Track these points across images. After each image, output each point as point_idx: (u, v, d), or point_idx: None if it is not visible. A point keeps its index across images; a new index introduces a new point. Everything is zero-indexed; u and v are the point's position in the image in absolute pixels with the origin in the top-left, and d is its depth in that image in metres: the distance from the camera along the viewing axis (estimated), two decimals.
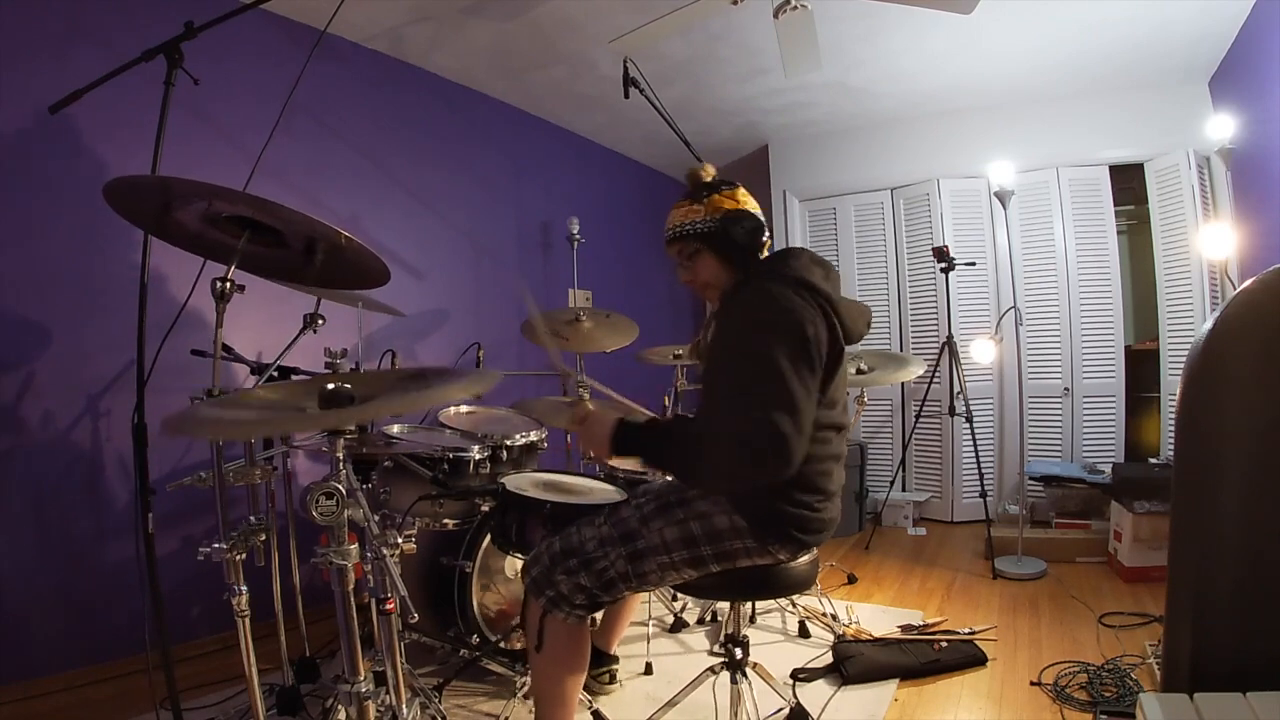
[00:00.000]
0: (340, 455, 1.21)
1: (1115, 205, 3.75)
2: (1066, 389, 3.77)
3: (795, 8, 2.27)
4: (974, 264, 3.61)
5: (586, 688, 1.93)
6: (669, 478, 1.71)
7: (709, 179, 1.47)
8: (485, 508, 2.02)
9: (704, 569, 1.38)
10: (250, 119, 2.47)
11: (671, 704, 1.71)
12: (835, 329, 1.31)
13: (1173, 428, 2.20)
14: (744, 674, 1.58)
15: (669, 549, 1.36)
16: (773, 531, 1.33)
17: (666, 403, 2.98)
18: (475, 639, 1.94)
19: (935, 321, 4.01)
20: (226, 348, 1.89)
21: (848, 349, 1.39)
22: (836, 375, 1.34)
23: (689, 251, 1.44)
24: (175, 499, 2.25)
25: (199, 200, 1.28)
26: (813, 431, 1.29)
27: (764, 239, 1.45)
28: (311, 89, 2.57)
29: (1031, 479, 3.38)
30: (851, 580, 3.01)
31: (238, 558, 1.37)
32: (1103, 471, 3.25)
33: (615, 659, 2.03)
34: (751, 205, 1.46)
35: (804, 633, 2.41)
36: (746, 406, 1.19)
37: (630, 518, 1.40)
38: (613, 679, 2.01)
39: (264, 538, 1.46)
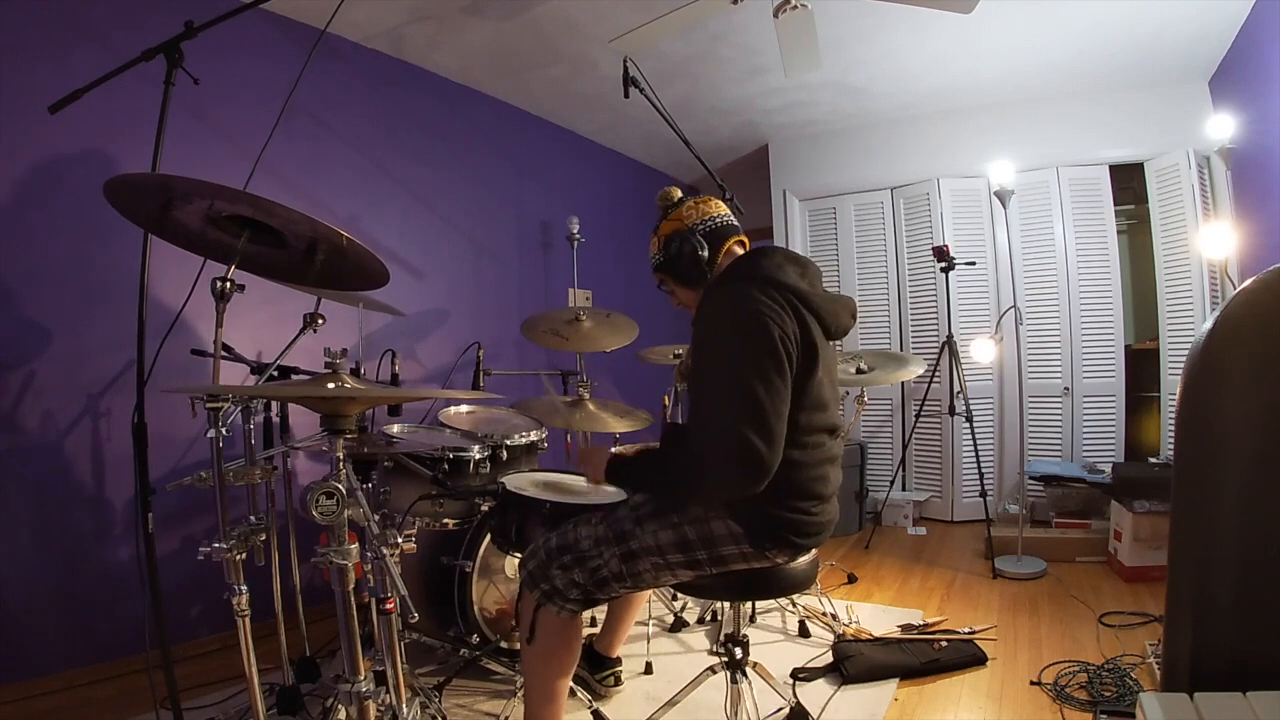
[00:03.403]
0: (340, 455, 1.21)
1: (1115, 205, 3.75)
2: (1066, 388, 3.77)
3: (795, 7, 2.27)
4: (974, 264, 3.61)
5: (591, 691, 1.93)
6: None
7: (670, 201, 1.52)
8: (485, 507, 2.02)
9: (699, 571, 1.38)
10: (250, 119, 2.46)
11: (671, 704, 1.71)
12: (808, 325, 1.29)
13: (1173, 427, 2.20)
14: (744, 673, 1.58)
15: (663, 551, 1.36)
16: (769, 537, 1.33)
17: (666, 403, 2.97)
18: (475, 638, 1.94)
19: (935, 321, 4.01)
20: (226, 347, 1.88)
21: (842, 347, 1.38)
22: (817, 374, 1.31)
23: (659, 282, 1.53)
24: (175, 499, 2.26)
25: (199, 199, 1.28)
26: (803, 437, 1.29)
27: (720, 241, 1.45)
28: (311, 89, 2.58)
29: (1031, 478, 3.38)
30: (851, 580, 3.01)
31: (238, 557, 1.36)
32: (1103, 471, 3.25)
33: (618, 662, 2.02)
34: (698, 214, 1.47)
35: (804, 632, 2.41)
36: (715, 423, 1.22)
37: (625, 519, 1.40)
38: (617, 681, 2.00)
39: (264, 537, 1.46)
